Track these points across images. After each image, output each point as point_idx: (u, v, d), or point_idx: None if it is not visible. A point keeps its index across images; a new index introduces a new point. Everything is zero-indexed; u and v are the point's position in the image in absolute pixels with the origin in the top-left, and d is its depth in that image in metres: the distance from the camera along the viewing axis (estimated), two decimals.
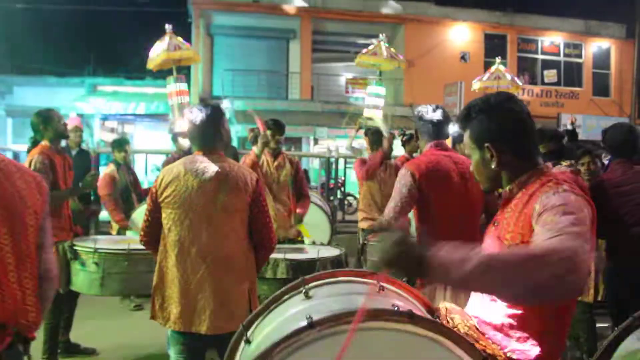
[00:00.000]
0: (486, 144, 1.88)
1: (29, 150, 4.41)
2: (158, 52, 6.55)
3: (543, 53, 22.15)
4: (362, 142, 7.78)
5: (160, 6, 21.27)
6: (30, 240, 2.03)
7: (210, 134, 3.10)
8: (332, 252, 4.30)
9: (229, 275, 2.99)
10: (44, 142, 4.36)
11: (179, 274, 2.97)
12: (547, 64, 22.01)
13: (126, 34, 23.68)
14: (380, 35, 8.18)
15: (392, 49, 8.08)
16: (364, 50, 8.07)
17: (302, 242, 4.85)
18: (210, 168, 3.02)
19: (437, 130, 3.45)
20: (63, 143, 4.92)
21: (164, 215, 3.03)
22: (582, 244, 1.46)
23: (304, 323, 1.49)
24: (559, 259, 1.39)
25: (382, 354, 1.50)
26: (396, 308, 1.54)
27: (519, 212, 1.80)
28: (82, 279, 4.07)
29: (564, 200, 1.65)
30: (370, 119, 7.45)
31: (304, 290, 1.82)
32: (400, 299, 1.83)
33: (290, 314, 1.74)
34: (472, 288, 1.59)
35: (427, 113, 3.46)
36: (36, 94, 20.60)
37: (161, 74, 15.05)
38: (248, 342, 1.81)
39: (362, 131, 7.61)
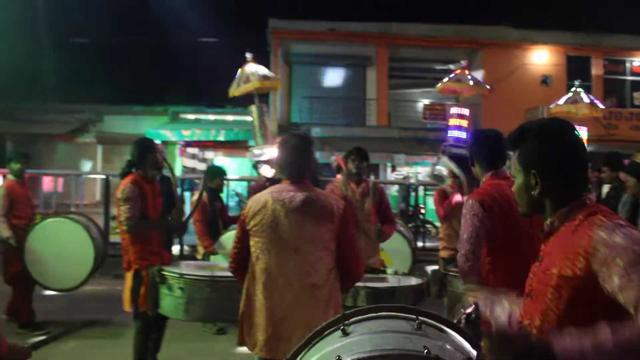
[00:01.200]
0: (533, 171, 1.82)
1: (122, 175, 4.60)
2: (245, 80, 6.74)
3: (632, 74, 21.14)
4: (443, 170, 7.63)
5: (240, 36, 21.98)
6: None
7: (299, 164, 3.13)
8: (413, 281, 4.23)
9: (314, 304, 2.97)
10: (138, 170, 4.54)
11: (266, 301, 2.99)
12: (637, 86, 20.98)
13: (207, 63, 24.54)
14: (461, 61, 8.09)
15: (475, 76, 7.97)
16: (448, 77, 7.99)
17: (384, 271, 4.78)
18: (297, 197, 3.04)
19: (497, 157, 3.30)
20: None
21: (252, 243, 3.07)
22: None
23: None
24: None
25: None
26: (426, 351, 1.52)
27: (564, 248, 1.72)
28: (169, 303, 4.17)
29: (633, 241, 1.57)
30: (454, 145, 7.33)
31: (342, 327, 1.83)
32: (438, 338, 1.77)
33: (325, 352, 1.75)
34: None
35: (486, 139, 3.32)
36: (123, 122, 21.67)
37: (240, 102, 15.47)
38: None
39: (444, 158, 7.48)
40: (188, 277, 4.05)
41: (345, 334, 1.80)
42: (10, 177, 6.30)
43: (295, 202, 3.02)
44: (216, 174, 6.43)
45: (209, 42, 24.08)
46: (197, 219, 6.02)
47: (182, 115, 21.14)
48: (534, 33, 20.30)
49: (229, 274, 4.09)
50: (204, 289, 4.02)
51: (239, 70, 6.88)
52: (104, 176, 17.15)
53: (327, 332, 1.90)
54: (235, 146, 20.15)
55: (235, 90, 7.04)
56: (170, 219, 4.68)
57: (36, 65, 21.91)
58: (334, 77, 20.43)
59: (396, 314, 1.92)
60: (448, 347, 1.67)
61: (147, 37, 23.57)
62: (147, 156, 4.57)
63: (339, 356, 1.54)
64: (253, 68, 6.91)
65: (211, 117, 20.88)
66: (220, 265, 4.66)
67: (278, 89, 7.48)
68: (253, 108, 7.04)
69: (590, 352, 1.42)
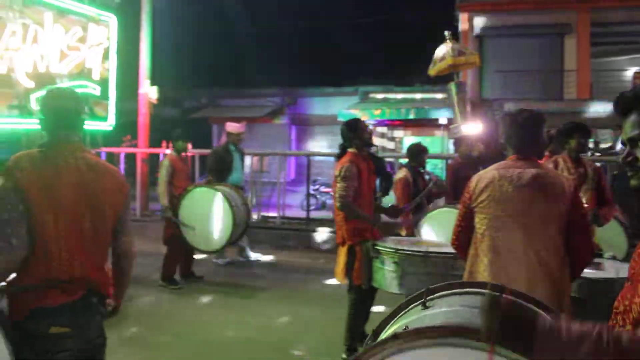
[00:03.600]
0: None
1: (338, 156, 4.87)
2: (441, 58, 6.71)
3: None
4: None
5: (426, 13, 21.74)
6: (106, 226, 2.65)
7: (528, 140, 3.06)
8: None
9: (544, 285, 2.89)
10: (352, 150, 4.76)
11: (492, 279, 2.92)
12: None
13: (394, 42, 24.68)
14: None
15: None
16: None
17: (600, 255, 4.49)
18: (526, 174, 2.96)
19: None
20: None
21: (477, 220, 3.06)
22: None
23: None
24: None
25: None
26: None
27: None
28: (382, 276, 4.37)
29: None
30: None
31: (422, 301, 1.92)
32: None
33: (401, 324, 1.83)
34: None
35: None
36: (315, 104, 22.72)
37: (428, 80, 15.27)
38: None
39: None
40: (402, 251, 4.20)
41: (425, 307, 1.88)
42: (173, 153, 7.33)
43: (524, 179, 2.94)
44: (418, 152, 6.47)
45: (395, 20, 24.17)
46: (401, 198, 6.16)
47: (372, 95, 21.53)
48: None
49: (442, 249, 4.20)
50: (417, 263, 4.14)
51: (437, 49, 6.86)
52: (298, 153, 18.24)
53: (412, 305, 1.97)
54: (425, 124, 20.10)
55: (432, 69, 7.04)
56: (387, 208, 4.82)
57: (234, 54, 23.76)
58: (527, 48, 19.32)
59: (482, 290, 1.93)
60: None
61: (334, 20, 24.32)
62: (355, 136, 4.77)
63: (406, 325, 1.65)
64: (449, 45, 6.86)
65: (399, 95, 21.00)
66: (429, 240, 4.75)
67: (478, 65, 7.26)
68: (452, 85, 6.98)
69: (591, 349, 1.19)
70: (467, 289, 1.96)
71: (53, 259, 2.45)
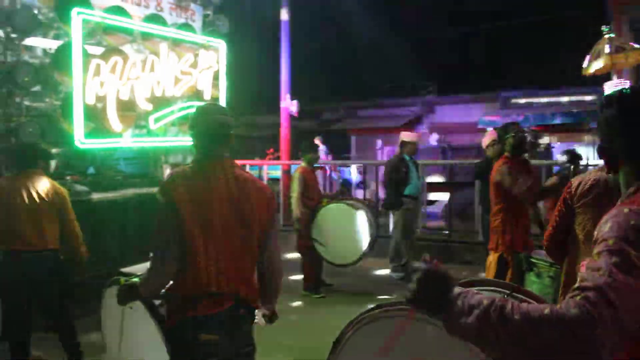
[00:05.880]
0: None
1: (492, 160, 4.82)
2: (598, 56, 6.22)
3: None
4: None
5: (571, 10, 20.45)
6: (254, 242, 2.69)
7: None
8: None
9: None
10: (506, 153, 4.76)
11: None
12: None
13: (537, 44, 23.48)
14: None
15: None
16: None
17: None
18: None
19: None
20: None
21: (578, 221, 3.03)
22: (602, 310, 1.18)
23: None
24: (559, 332, 1.18)
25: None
26: None
27: None
28: (536, 290, 4.11)
29: (617, 229, 1.34)
30: None
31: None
32: None
33: None
34: (469, 339, 1.33)
35: None
36: (454, 111, 22.23)
37: (576, 81, 14.20)
38: None
39: None
40: (559, 266, 3.92)
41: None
42: (303, 164, 7.34)
43: None
44: (573, 159, 5.97)
45: (538, 20, 22.98)
46: (551, 209, 5.76)
47: (514, 100, 20.65)
48: None
49: None
50: None
51: (594, 46, 6.37)
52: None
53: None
54: (573, 129, 18.88)
55: (587, 69, 6.54)
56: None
57: (372, 64, 23.90)
58: None
59: (496, 288, 2.00)
60: None
61: (471, 24, 23.64)
62: (508, 140, 4.75)
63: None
64: (607, 42, 6.32)
65: (544, 99, 19.94)
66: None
67: (639, 62, 6.58)
68: (609, 85, 6.45)
69: (479, 315, 1.27)
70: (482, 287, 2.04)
71: (202, 272, 2.53)
